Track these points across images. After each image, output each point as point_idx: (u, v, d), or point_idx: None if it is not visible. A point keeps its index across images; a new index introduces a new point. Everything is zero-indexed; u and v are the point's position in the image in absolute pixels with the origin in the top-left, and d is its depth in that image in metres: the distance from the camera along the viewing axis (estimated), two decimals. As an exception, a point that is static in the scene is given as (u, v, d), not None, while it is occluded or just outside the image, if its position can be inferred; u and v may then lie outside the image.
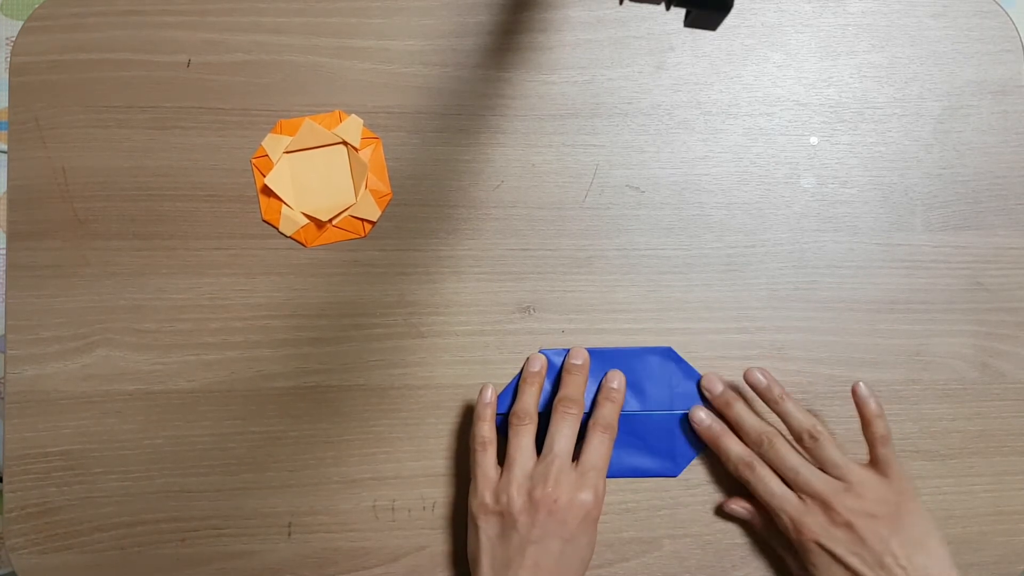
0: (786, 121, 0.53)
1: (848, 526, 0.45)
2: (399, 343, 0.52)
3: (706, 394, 0.51)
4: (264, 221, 0.52)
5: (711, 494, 0.51)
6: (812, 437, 0.47)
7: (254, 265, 0.52)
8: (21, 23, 0.58)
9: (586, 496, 0.45)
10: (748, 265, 0.52)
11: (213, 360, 0.52)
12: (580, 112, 0.53)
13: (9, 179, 0.52)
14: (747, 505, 0.50)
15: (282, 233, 0.52)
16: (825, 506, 0.45)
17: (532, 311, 0.52)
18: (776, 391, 0.48)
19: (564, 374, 0.51)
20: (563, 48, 0.53)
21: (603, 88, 0.53)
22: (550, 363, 0.51)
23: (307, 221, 0.52)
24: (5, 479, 0.51)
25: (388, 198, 0.53)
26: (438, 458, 0.52)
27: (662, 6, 0.36)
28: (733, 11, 0.46)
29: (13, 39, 0.65)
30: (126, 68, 0.53)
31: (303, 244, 0.52)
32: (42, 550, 0.51)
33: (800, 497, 0.46)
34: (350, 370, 0.52)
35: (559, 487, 0.45)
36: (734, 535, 0.51)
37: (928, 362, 0.52)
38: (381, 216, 0.53)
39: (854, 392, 0.48)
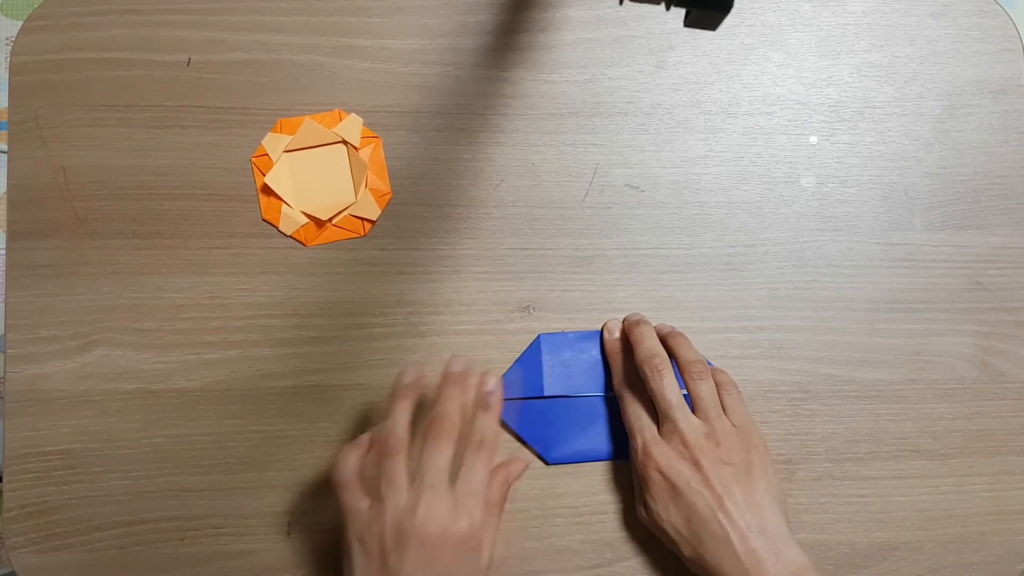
0: (786, 120, 0.53)
1: (696, 464, 0.45)
2: (399, 342, 0.52)
3: (624, 320, 0.52)
4: (264, 220, 0.52)
5: (711, 493, 0.51)
6: (700, 372, 0.48)
7: (254, 264, 0.52)
8: (21, 23, 0.58)
9: (459, 525, 0.40)
10: (748, 264, 0.53)
11: (213, 359, 0.52)
12: (580, 111, 0.53)
13: (9, 179, 0.52)
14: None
15: (282, 232, 0.52)
16: (682, 443, 0.46)
17: (532, 310, 0.52)
18: (670, 330, 0.50)
19: (441, 384, 0.45)
20: (563, 47, 0.53)
21: (603, 87, 0.53)
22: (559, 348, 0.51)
23: (307, 220, 0.52)
24: (5, 478, 0.51)
25: (388, 197, 0.53)
26: (438, 457, 0.51)
27: (662, 6, 0.36)
28: (733, 11, 0.46)
29: (13, 39, 0.65)
30: (126, 67, 0.53)
31: (303, 243, 0.52)
32: (42, 549, 0.51)
33: (660, 431, 0.47)
34: (350, 369, 0.52)
35: (430, 518, 0.40)
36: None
37: (928, 361, 0.52)
38: (381, 215, 0.53)
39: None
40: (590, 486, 0.51)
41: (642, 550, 0.51)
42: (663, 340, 0.50)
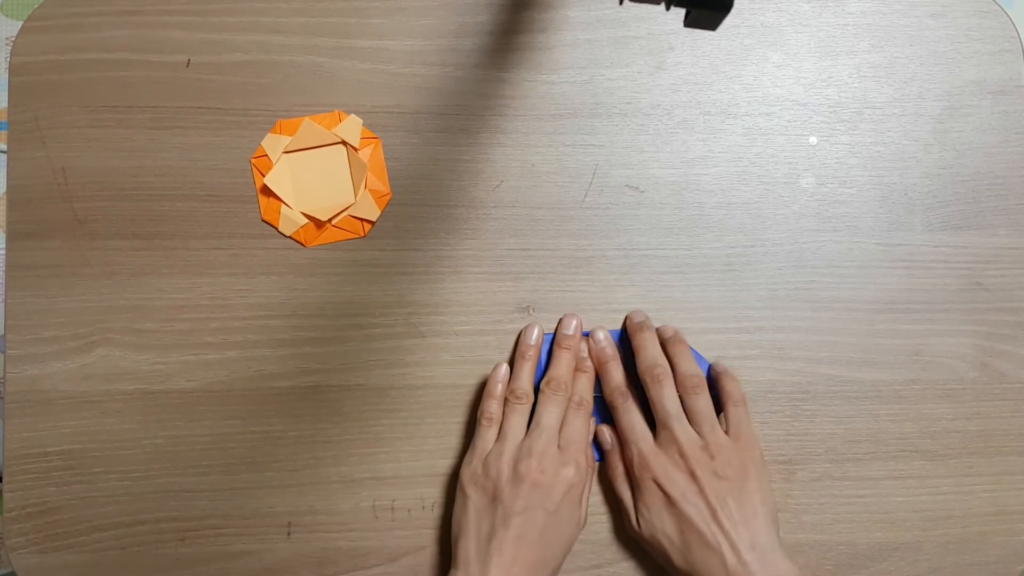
0: (785, 121, 0.53)
1: (692, 475, 0.46)
2: (399, 343, 0.52)
3: (627, 319, 0.52)
4: (263, 221, 0.52)
5: (711, 494, 0.51)
6: (696, 385, 0.48)
7: (253, 265, 0.52)
8: (21, 23, 0.58)
9: (568, 471, 0.46)
10: (747, 265, 0.52)
11: (213, 360, 0.52)
12: (580, 112, 0.53)
13: (9, 179, 0.52)
14: (615, 435, 0.50)
15: (281, 233, 0.52)
16: (678, 454, 0.46)
17: (532, 311, 0.52)
18: (673, 334, 0.50)
19: (555, 348, 0.51)
20: (563, 48, 0.53)
21: (603, 88, 0.53)
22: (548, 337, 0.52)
23: (306, 221, 0.52)
24: (5, 479, 0.51)
25: (387, 198, 0.53)
26: (438, 458, 0.52)
27: (662, 6, 0.36)
28: (733, 11, 0.46)
29: (13, 39, 0.66)
30: (125, 68, 0.53)
31: (302, 244, 0.52)
32: (42, 550, 0.51)
33: (656, 440, 0.48)
34: (350, 370, 0.52)
35: (544, 460, 0.46)
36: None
37: (928, 362, 0.52)
38: (380, 216, 0.53)
39: (719, 363, 0.50)
40: (590, 487, 0.51)
41: (641, 551, 0.51)
42: (664, 345, 0.50)
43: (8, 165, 0.53)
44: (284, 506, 0.51)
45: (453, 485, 0.51)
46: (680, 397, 0.48)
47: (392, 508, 0.51)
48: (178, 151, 0.53)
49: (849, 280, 0.52)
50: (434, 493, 0.51)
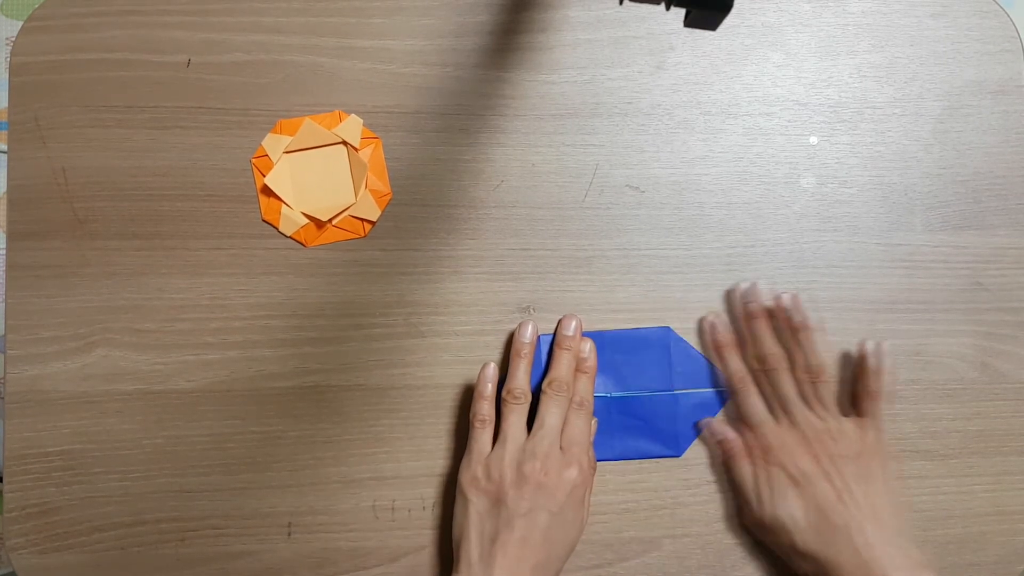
0: (786, 121, 0.53)
1: (816, 459, 0.47)
2: (399, 343, 0.52)
3: (742, 297, 0.51)
4: (264, 221, 0.52)
5: (712, 494, 0.51)
6: (816, 375, 0.49)
7: (254, 265, 0.52)
8: (21, 23, 0.58)
9: (571, 472, 0.46)
10: (748, 265, 0.52)
11: (213, 360, 0.52)
12: (580, 112, 0.53)
13: (9, 179, 0.52)
14: (728, 431, 0.50)
15: (282, 233, 0.52)
16: (801, 438, 0.48)
17: (532, 311, 0.52)
18: (799, 318, 0.50)
19: (555, 348, 0.51)
20: (563, 48, 0.53)
21: (603, 88, 0.53)
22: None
23: (307, 221, 0.52)
24: (5, 479, 0.51)
25: (388, 198, 0.53)
26: (438, 458, 0.52)
27: (662, 6, 0.36)
28: (733, 11, 0.46)
29: (13, 39, 0.65)
30: (126, 68, 0.53)
31: (303, 244, 0.52)
32: (42, 550, 0.51)
33: (779, 424, 0.49)
34: (350, 370, 0.52)
35: (548, 462, 0.46)
36: (734, 535, 0.51)
37: (928, 362, 0.52)
38: (381, 216, 0.53)
39: (866, 347, 0.50)
40: (590, 487, 0.51)
41: (642, 551, 0.51)
42: (789, 332, 0.50)
43: (8, 165, 0.52)
44: (284, 506, 0.51)
45: (453, 485, 0.51)
46: (801, 386, 0.49)
47: (392, 508, 0.51)
48: (178, 151, 0.53)
49: (849, 280, 0.52)
50: (434, 493, 0.51)
